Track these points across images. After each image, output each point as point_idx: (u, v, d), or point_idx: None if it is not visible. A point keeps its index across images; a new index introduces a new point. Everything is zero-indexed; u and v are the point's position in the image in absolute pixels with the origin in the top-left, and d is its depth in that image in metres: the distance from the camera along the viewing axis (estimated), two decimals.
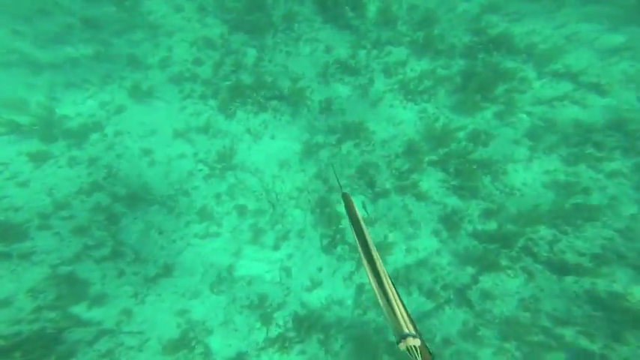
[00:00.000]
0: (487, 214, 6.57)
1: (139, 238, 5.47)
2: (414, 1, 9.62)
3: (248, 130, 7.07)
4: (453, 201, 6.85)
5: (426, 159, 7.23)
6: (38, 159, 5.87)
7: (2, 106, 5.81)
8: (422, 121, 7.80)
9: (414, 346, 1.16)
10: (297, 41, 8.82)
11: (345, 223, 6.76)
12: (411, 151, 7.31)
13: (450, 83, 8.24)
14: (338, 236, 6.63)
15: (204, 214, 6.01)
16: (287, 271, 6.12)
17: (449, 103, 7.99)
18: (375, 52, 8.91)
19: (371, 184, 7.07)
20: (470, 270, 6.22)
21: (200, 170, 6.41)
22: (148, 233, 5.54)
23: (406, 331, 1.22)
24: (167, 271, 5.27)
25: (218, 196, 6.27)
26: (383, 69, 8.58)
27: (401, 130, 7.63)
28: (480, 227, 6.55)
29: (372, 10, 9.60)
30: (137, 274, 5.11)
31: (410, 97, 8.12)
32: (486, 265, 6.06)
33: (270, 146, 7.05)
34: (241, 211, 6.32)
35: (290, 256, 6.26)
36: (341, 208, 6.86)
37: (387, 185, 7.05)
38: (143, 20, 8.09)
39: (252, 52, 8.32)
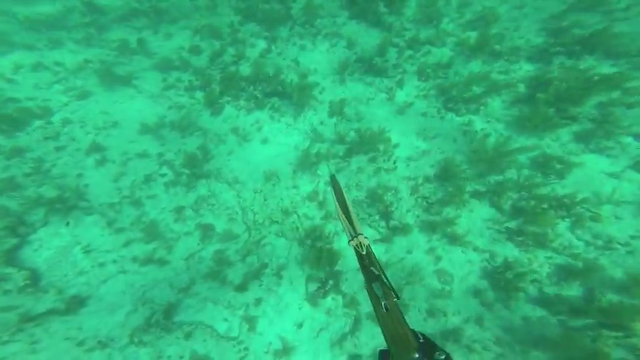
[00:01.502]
0: (565, 272, 4.29)
1: (53, 256, 4.16)
2: None
3: (235, 130, 5.68)
4: (508, 250, 4.69)
5: (469, 188, 5.18)
6: None
7: None
8: (465, 136, 5.80)
9: (362, 244, 1.40)
10: (316, 36, 7.51)
11: (342, 265, 4.89)
12: (446, 174, 5.31)
13: (509, 92, 6.19)
14: (331, 282, 4.76)
15: (153, 233, 4.57)
16: (251, 322, 4.36)
17: (506, 117, 5.91)
18: (409, 51, 7.24)
19: (385, 215, 5.17)
20: (540, 358, 3.95)
21: (163, 175, 5.07)
22: (69, 251, 4.22)
23: (359, 232, 1.45)
24: (73, 305, 3.83)
25: (179, 210, 4.83)
26: (417, 70, 6.84)
27: (435, 146, 5.70)
28: (550, 291, 4.27)
29: (411, 6, 8.06)
30: (13, 309, 3.72)
31: (451, 105, 6.21)
32: (574, 354, 3.72)
33: (259, 152, 5.56)
34: (205, 232, 4.80)
35: (259, 302, 4.52)
36: (340, 244, 5.04)
37: (409, 219, 5.10)
38: (151, 6, 7.43)
39: (261, 44, 7.15)
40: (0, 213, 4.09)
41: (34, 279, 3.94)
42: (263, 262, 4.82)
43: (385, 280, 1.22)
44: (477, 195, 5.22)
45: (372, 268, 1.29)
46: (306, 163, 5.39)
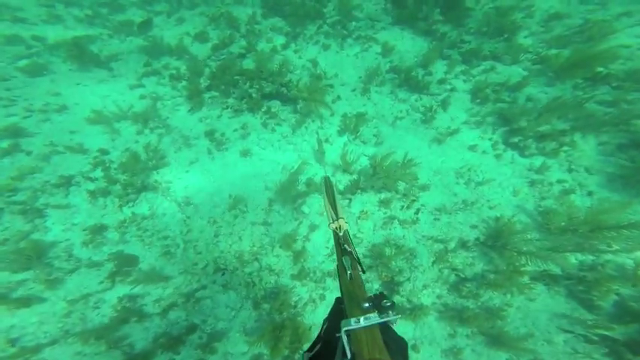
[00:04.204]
0: None
1: None
2: (563, 8, 5.89)
3: (210, 134, 4.38)
4: None
5: (531, 267, 3.26)
6: None
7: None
8: (533, 188, 3.86)
9: (341, 227, 1.37)
10: (345, 38, 6.14)
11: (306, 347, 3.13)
12: (496, 242, 3.42)
13: (616, 130, 4.13)
14: None
15: (35, 258, 3.26)
16: None
17: (604, 167, 3.86)
18: (463, 66, 5.50)
19: (389, 286, 3.39)
20: None
21: (92, 180, 3.84)
22: None
23: (341, 216, 1.42)
24: None
25: (97, 230, 3.53)
26: (471, 89, 5.06)
27: (482, 197, 3.82)
28: None
29: (476, 16, 6.30)
30: None
31: (514, 140, 4.31)
32: None
33: (232, 168, 4.16)
34: (121, 266, 3.42)
35: None
36: (313, 318, 3.34)
37: (425, 299, 3.30)
38: None
39: (279, 40, 5.97)
40: None
41: None
42: (192, 322, 3.28)
43: (355, 256, 1.23)
44: (543, 279, 3.25)
45: (345, 245, 1.29)
46: (291, 192, 3.85)
